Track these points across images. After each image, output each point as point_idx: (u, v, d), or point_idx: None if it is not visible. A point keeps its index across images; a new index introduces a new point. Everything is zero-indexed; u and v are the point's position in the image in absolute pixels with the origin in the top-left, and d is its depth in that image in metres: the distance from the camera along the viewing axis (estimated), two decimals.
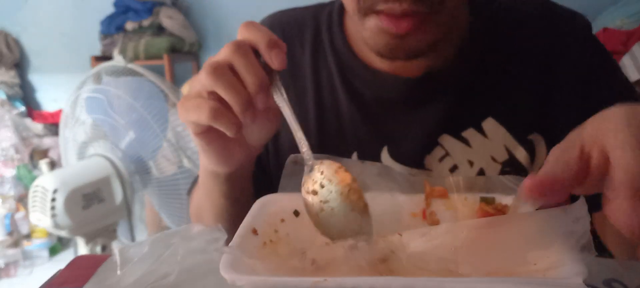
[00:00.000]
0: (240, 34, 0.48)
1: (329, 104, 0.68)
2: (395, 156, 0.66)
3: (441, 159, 0.65)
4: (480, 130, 0.65)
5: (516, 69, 0.65)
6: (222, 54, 0.47)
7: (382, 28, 0.54)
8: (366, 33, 0.57)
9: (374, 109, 0.66)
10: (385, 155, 0.66)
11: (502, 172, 0.64)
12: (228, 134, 0.47)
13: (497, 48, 0.66)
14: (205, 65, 0.47)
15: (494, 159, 0.65)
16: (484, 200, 0.45)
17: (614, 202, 0.32)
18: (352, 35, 0.68)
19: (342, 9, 0.69)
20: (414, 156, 0.65)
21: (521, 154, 0.64)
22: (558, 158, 0.35)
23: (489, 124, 0.65)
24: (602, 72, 0.65)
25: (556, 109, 0.65)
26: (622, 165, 0.31)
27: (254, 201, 0.52)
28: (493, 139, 0.64)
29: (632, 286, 0.45)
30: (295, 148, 0.67)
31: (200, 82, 0.47)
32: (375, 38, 0.56)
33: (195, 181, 0.79)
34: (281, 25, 0.73)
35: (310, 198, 0.43)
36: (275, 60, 0.46)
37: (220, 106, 0.46)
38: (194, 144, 0.57)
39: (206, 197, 0.63)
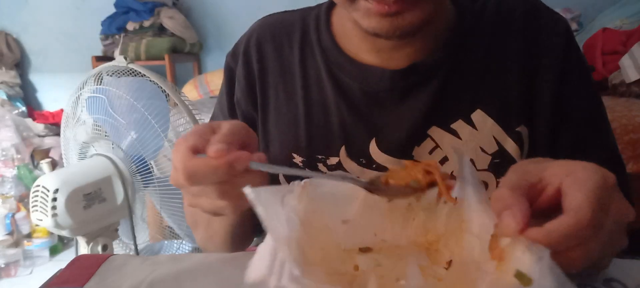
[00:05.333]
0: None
1: (317, 99, 0.69)
2: (384, 148, 0.66)
3: (431, 151, 0.66)
4: (469, 122, 0.65)
5: (502, 62, 0.66)
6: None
7: (372, 10, 0.55)
8: (357, 15, 0.58)
9: (361, 102, 0.67)
10: (373, 147, 0.66)
11: (492, 163, 0.65)
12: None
13: (482, 41, 0.67)
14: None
15: (483, 150, 0.65)
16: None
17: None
18: (339, 32, 0.69)
19: (329, 9, 0.71)
20: (403, 148, 0.66)
21: (510, 146, 0.65)
22: (520, 184, 0.40)
23: (478, 116, 0.65)
24: (578, 78, 0.67)
25: (537, 103, 0.66)
26: (575, 212, 0.36)
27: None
28: (482, 131, 0.65)
29: (631, 286, 0.45)
30: (284, 146, 0.70)
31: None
32: (368, 19, 0.57)
33: None
34: (270, 27, 0.74)
35: None
36: (216, 154, 0.46)
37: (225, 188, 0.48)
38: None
39: (217, 233, 0.70)
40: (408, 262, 0.45)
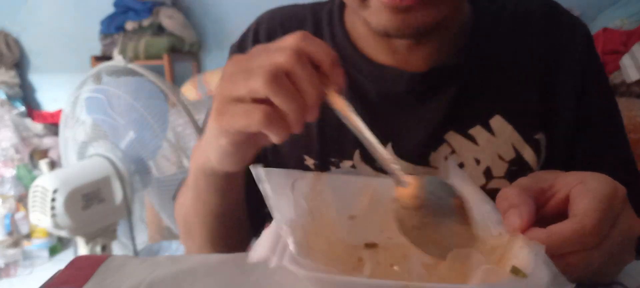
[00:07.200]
0: (299, 43, 0.43)
1: None
2: (400, 153, 0.64)
3: (447, 157, 0.64)
4: (488, 128, 0.64)
5: (521, 66, 0.65)
6: (278, 57, 0.42)
7: (385, 2, 0.53)
8: (368, 13, 0.55)
9: (377, 104, 0.65)
10: (389, 151, 0.64)
11: (509, 171, 0.64)
12: (275, 140, 0.44)
13: (502, 46, 0.65)
14: (257, 67, 0.42)
15: (501, 157, 0.64)
16: None
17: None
18: (353, 30, 0.67)
19: (342, 6, 0.69)
20: (419, 153, 0.64)
21: (528, 153, 0.64)
22: (531, 187, 0.41)
23: (497, 122, 0.64)
24: (597, 84, 0.66)
25: (557, 109, 0.65)
26: (580, 218, 0.37)
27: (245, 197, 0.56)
28: (500, 137, 0.64)
29: (632, 286, 0.45)
30: (295, 147, 0.67)
31: (250, 87, 0.42)
32: (379, 16, 0.54)
33: (180, 185, 0.75)
34: (281, 19, 0.71)
35: (407, 214, 0.43)
36: (339, 79, 0.44)
37: (274, 112, 0.42)
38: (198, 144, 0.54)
39: (197, 198, 0.60)
40: (412, 259, 0.45)
